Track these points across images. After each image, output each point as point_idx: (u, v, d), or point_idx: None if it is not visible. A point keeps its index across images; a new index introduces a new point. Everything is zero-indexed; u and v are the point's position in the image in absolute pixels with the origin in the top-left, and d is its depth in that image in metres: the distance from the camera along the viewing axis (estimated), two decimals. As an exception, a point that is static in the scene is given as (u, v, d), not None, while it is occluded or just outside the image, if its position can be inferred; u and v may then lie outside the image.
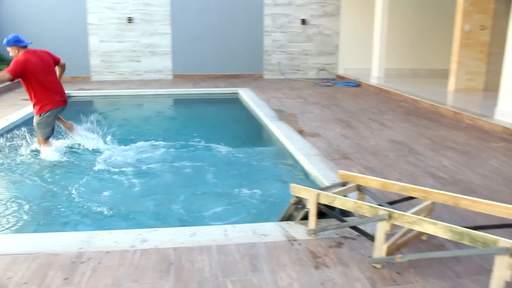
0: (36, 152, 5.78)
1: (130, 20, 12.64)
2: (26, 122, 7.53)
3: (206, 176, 5.05)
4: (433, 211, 3.26)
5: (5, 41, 5.33)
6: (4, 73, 5.16)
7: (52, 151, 5.67)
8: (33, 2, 12.21)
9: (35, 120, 5.62)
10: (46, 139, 5.72)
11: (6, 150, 5.93)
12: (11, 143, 6.17)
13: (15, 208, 4.18)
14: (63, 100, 5.77)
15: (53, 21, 12.36)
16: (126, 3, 12.59)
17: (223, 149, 6.11)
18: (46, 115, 5.56)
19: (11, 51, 5.37)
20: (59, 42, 12.40)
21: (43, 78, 5.45)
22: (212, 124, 8.00)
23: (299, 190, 3.37)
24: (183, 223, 3.84)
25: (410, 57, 13.67)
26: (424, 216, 3.09)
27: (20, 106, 8.46)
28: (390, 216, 2.76)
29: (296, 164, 5.34)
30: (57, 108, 5.67)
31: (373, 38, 11.81)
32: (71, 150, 6.05)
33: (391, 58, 13.02)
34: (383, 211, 2.80)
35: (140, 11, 12.67)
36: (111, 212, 4.10)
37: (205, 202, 4.35)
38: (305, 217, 3.41)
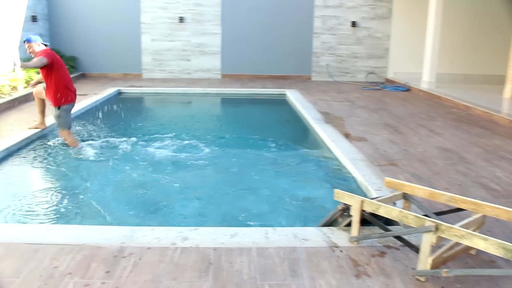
0: (65, 147, 5.97)
1: (181, 19, 12.85)
2: (80, 115, 7.80)
3: (249, 175, 5.05)
4: (483, 225, 3.12)
5: (32, 36, 5.82)
6: (41, 58, 5.47)
7: (82, 145, 6.02)
8: (87, 2, 12.61)
9: (55, 113, 5.90)
10: (69, 128, 6.00)
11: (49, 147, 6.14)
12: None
13: (59, 200, 4.32)
14: (75, 96, 6.15)
15: (107, 20, 12.73)
16: (178, 3, 12.80)
17: (268, 149, 6.10)
18: (65, 107, 5.88)
19: (33, 47, 5.76)
20: (112, 40, 12.80)
21: (65, 72, 5.91)
22: (258, 124, 8.01)
23: (343, 196, 3.30)
24: (224, 222, 3.85)
25: (463, 62, 13.19)
26: (474, 230, 2.97)
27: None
28: (437, 228, 2.66)
29: (341, 168, 5.25)
30: (73, 103, 6.05)
31: (425, 42, 11.47)
32: (105, 146, 6.20)
33: (443, 63, 12.60)
34: (429, 222, 2.70)
35: (191, 11, 12.85)
36: (152, 208, 4.16)
37: (247, 201, 4.35)
38: (349, 224, 3.34)
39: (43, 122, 6.46)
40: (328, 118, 7.71)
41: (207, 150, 5.99)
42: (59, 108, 5.83)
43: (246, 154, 5.85)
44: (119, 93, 10.51)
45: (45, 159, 5.53)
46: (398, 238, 3.14)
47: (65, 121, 5.92)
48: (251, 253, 3.06)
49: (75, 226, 3.52)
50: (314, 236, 3.32)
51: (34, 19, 11.65)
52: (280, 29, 13.08)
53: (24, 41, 5.79)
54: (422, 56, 11.81)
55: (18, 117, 7.31)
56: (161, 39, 12.97)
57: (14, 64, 9.63)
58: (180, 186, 4.71)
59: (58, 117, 5.89)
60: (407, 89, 11.58)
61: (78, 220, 3.90)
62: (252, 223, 3.84)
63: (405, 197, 3.50)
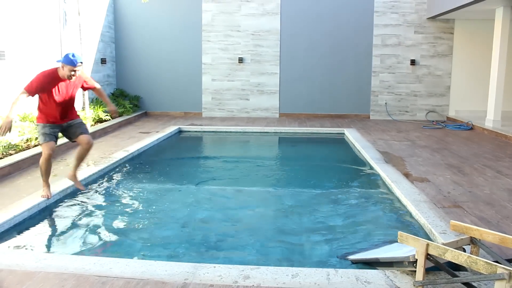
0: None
1: (241, 60, 13.24)
2: (143, 153, 8.12)
3: (309, 216, 5.03)
4: (560, 274, 2.94)
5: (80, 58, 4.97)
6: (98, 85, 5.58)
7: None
8: (154, 44, 13.30)
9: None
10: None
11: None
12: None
13: (129, 235, 4.47)
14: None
15: (170, 61, 13.34)
16: (238, 44, 13.23)
17: (326, 190, 6.07)
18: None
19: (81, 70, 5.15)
20: (174, 80, 13.36)
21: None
22: (317, 163, 7.99)
23: (407, 239, 3.23)
24: (284, 262, 3.85)
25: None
26: (550, 278, 2.81)
27: (138, 139, 9.12)
28: (510, 276, 2.54)
29: (403, 210, 5.14)
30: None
31: (490, 78, 11.15)
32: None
33: (509, 100, 12.17)
34: (502, 269, 2.59)
35: (250, 51, 13.23)
36: (214, 245, 4.23)
37: (304, 244, 4.32)
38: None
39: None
40: (388, 157, 7.60)
41: (264, 190, 6.04)
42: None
43: (304, 194, 5.85)
44: (180, 131, 10.86)
45: (108, 194, 5.78)
46: (467, 285, 3.01)
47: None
48: (313, 294, 3.04)
49: (140, 261, 3.63)
50: (377, 279, 3.26)
51: (103, 61, 12.40)
52: (338, 68, 13.16)
53: (81, 63, 4.93)
54: (484, 93, 11.48)
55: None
56: (221, 79, 13.38)
57: (83, 103, 10.22)
58: (231, 225, 4.76)
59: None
60: (470, 128, 11.23)
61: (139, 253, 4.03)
62: (312, 265, 3.81)
63: (473, 241, 3.38)
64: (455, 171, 6.70)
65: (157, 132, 10.14)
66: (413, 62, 13.05)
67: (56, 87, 5.01)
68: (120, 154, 7.59)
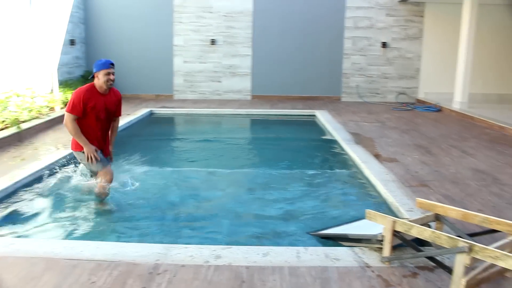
0: None
1: (213, 42, 13.13)
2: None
3: (280, 195, 5.09)
4: (518, 247, 3.07)
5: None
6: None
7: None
8: (124, 26, 13.06)
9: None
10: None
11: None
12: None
13: (99, 218, 4.45)
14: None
15: (141, 43, 13.13)
16: (210, 26, 13.11)
17: (297, 170, 6.14)
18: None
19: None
20: (146, 62, 13.18)
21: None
22: (288, 145, 8.06)
23: (375, 216, 3.32)
24: (256, 241, 3.90)
25: (497, 82, 13.03)
26: (509, 252, 2.93)
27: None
28: (470, 249, 2.65)
29: (372, 189, 5.25)
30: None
31: (457, 62, 11.37)
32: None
33: (476, 83, 12.44)
34: (463, 243, 2.69)
35: (223, 33, 13.13)
36: (186, 226, 4.25)
37: (276, 222, 4.38)
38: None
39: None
40: (359, 139, 7.71)
41: (236, 171, 6.07)
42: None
43: (274, 176, 5.90)
44: (151, 114, 10.75)
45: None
46: (431, 259, 3.12)
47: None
48: (283, 272, 3.10)
49: (111, 243, 3.62)
50: (345, 256, 3.34)
51: (72, 42, 12.12)
52: (310, 50, 13.20)
53: (112, 64, 4.61)
54: (453, 76, 11.70)
55: (55, 137, 7.57)
56: (193, 61, 13.26)
57: (52, 85, 10.00)
58: (204, 206, 4.79)
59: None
60: (439, 109, 11.47)
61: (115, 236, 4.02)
62: (283, 243, 3.87)
63: (438, 218, 3.49)
64: (423, 151, 6.86)
65: (128, 115, 10.01)
66: (384, 45, 13.19)
67: (97, 104, 4.51)
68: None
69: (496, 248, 2.70)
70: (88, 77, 12.54)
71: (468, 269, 2.75)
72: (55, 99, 9.60)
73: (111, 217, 4.45)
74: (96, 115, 4.54)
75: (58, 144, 6.93)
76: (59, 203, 4.76)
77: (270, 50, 13.19)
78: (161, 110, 11.04)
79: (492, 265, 2.82)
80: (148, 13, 13.07)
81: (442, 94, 12.76)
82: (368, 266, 3.18)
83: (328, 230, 3.99)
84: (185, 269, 3.12)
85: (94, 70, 4.52)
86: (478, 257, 2.64)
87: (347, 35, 13.16)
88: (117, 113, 4.90)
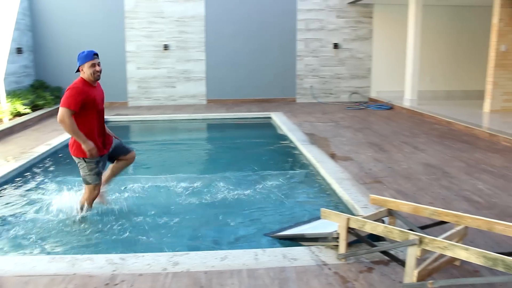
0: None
1: (166, 47, 13.02)
2: (66, 146, 7.81)
3: (237, 198, 5.10)
4: (466, 236, 3.21)
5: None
6: None
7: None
8: (74, 32, 12.74)
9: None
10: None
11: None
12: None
13: (53, 231, 4.33)
14: None
15: (93, 49, 12.81)
16: (163, 31, 12.99)
17: (253, 172, 6.17)
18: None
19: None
20: (98, 69, 12.88)
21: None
22: (244, 148, 8.08)
23: (329, 215, 3.38)
24: (215, 245, 3.89)
25: (444, 79, 13.54)
26: (457, 241, 3.05)
27: (61, 131, 8.76)
28: (420, 241, 2.74)
29: (328, 188, 5.34)
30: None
31: (406, 61, 11.75)
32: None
33: (425, 80, 12.92)
34: (413, 235, 2.78)
35: (175, 38, 13.04)
36: (142, 235, 4.19)
37: (234, 225, 4.39)
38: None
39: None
40: (314, 139, 7.83)
41: (192, 176, 6.03)
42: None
43: (231, 179, 5.90)
44: (105, 122, 10.51)
45: (31, 191, 5.54)
46: (385, 253, 3.21)
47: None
48: (241, 274, 3.11)
49: (66, 256, 3.52)
50: (303, 255, 3.38)
51: (19, 51, 11.73)
52: (264, 53, 13.30)
53: (96, 55, 4.51)
54: (403, 74, 12.09)
55: (4, 149, 7.30)
56: (146, 67, 13.10)
57: None
58: (164, 212, 4.74)
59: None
60: (390, 107, 11.80)
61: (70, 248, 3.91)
62: (241, 246, 3.88)
63: (390, 213, 3.59)
64: (376, 149, 7.03)
65: (81, 124, 9.77)
66: (336, 46, 13.45)
67: (96, 96, 4.37)
68: (41, 148, 7.27)
69: (444, 238, 2.81)
70: (37, 86, 12.18)
71: (419, 261, 2.85)
72: (3, 110, 9.27)
73: (65, 230, 4.33)
74: (96, 109, 4.38)
75: (8, 157, 6.69)
76: (9, 217, 4.60)
77: (224, 54, 13.21)
78: (115, 118, 10.84)
79: (442, 255, 2.93)
80: (98, 19, 12.82)
81: (393, 92, 13.14)
82: (325, 264, 3.24)
83: (285, 231, 4.03)
84: (142, 278, 3.08)
85: (78, 64, 4.38)
86: (428, 248, 2.73)
87: (299, 37, 13.34)
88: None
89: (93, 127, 4.38)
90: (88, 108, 4.29)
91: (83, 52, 4.42)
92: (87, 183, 4.47)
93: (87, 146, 4.20)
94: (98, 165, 4.45)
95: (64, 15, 12.73)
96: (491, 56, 9.99)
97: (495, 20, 9.82)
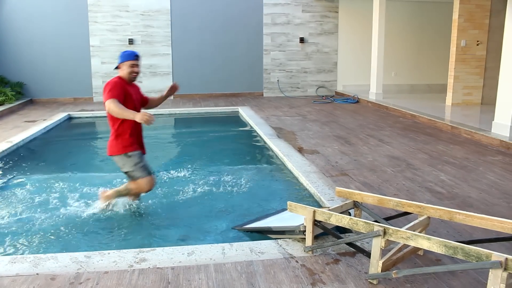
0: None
1: (131, 41, 12.80)
2: (29, 143, 7.61)
3: (205, 193, 5.08)
4: (428, 226, 3.28)
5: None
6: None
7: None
8: (35, 26, 12.38)
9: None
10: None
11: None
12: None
13: (15, 230, 4.21)
14: None
15: (55, 44, 12.51)
16: (127, 25, 12.77)
17: (222, 167, 6.15)
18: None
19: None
20: (61, 64, 12.58)
21: None
22: (211, 142, 8.05)
23: (295, 208, 3.40)
24: (183, 241, 3.87)
25: (408, 73, 13.82)
26: (420, 231, 3.12)
27: (23, 128, 8.53)
28: (385, 232, 2.79)
29: (295, 181, 5.37)
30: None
31: (371, 55, 11.92)
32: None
33: (389, 75, 13.16)
34: (378, 227, 2.83)
35: (141, 32, 12.85)
36: (107, 232, 4.13)
37: (203, 220, 4.37)
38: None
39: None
40: (281, 133, 7.86)
41: (160, 170, 5.98)
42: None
43: (199, 174, 5.88)
44: (70, 118, 10.31)
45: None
46: (351, 244, 3.26)
47: None
48: (208, 269, 3.10)
49: (27, 256, 3.43)
50: (270, 248, 3.40)
51: (-24, 46, 11.32)
52: (231, 47, 13.25)
53: (138, 56, 4.49)
54: (368, 68, 12.26)
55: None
56: (111, 61, 12.84)
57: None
58: (134, 207, 4.69)
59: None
60: (356, 101, 11.96)
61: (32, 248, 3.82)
62: (210, 241, 3.87)
63: (356, 205, 3.64)
64: (342, 142, 7.12)
65: (44, 120, 9.53)
66: (302, 40, 13.52)
67: (133, 93, 4.38)
68: (2, 146, 7.05)
69: (407, 229, 2.86)
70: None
71: (384, 251, 2.90)
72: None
73: (29, 229, 4.22)
74: (133, 105, 4.35)
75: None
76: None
77: (190, 48, 13.10)
78: (80, 114, 10.61)
79: (405, 245, 2.99)
80: (60, 12, 12.46)
81: (359, 86, 13.32)
82: (292, 257, 3.26)
83: (252, 223, 4.04)
84: (108, 275, 3.04)
85: (119, 61, 4.40)
86: (392, 239, 2.78)
87: (266, 32, 13.35)
88: (144, 97, 4.77)
89: (132, 128, 4.38)
90: (127, 102, 4.28)
91: (126, 51, 4.49)
92: (136, 178, 4.36)
93: (140, 116, 3.92)
94: (141, 158, 4.40)
95: (24, 8, 12.32)
96: (452, 51, 10.24)
97: (455, 16, 10.06)
